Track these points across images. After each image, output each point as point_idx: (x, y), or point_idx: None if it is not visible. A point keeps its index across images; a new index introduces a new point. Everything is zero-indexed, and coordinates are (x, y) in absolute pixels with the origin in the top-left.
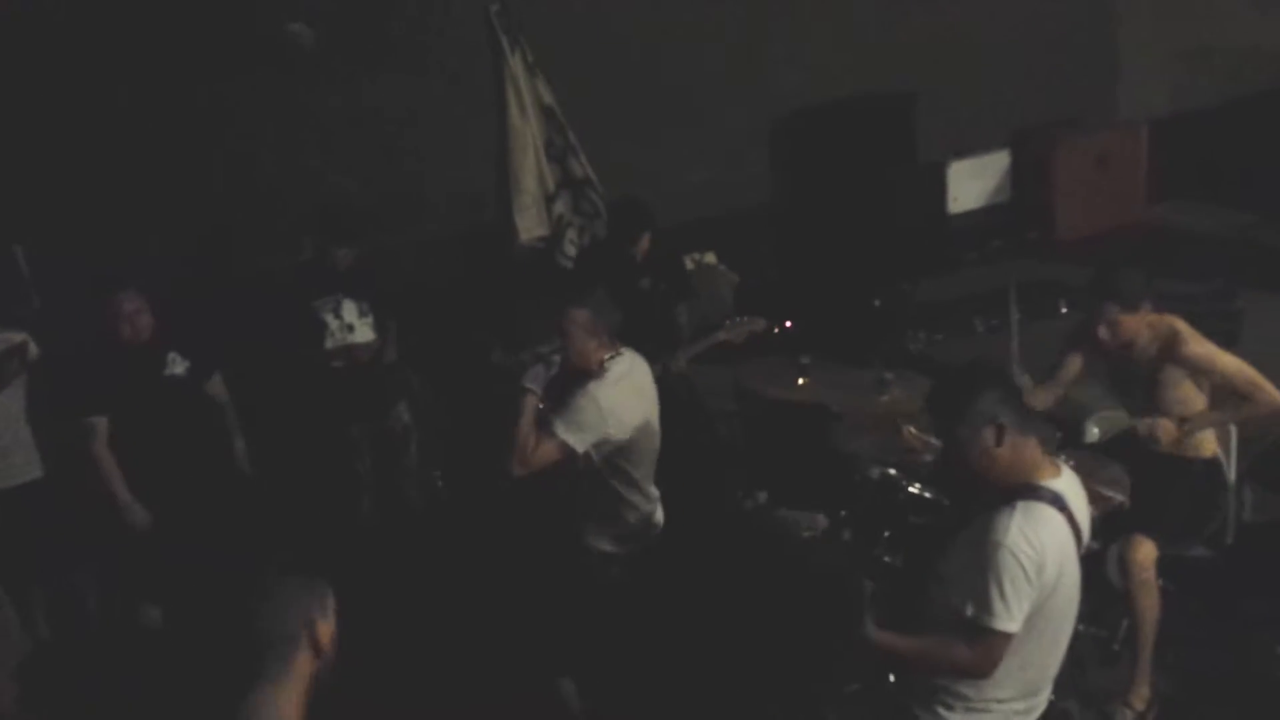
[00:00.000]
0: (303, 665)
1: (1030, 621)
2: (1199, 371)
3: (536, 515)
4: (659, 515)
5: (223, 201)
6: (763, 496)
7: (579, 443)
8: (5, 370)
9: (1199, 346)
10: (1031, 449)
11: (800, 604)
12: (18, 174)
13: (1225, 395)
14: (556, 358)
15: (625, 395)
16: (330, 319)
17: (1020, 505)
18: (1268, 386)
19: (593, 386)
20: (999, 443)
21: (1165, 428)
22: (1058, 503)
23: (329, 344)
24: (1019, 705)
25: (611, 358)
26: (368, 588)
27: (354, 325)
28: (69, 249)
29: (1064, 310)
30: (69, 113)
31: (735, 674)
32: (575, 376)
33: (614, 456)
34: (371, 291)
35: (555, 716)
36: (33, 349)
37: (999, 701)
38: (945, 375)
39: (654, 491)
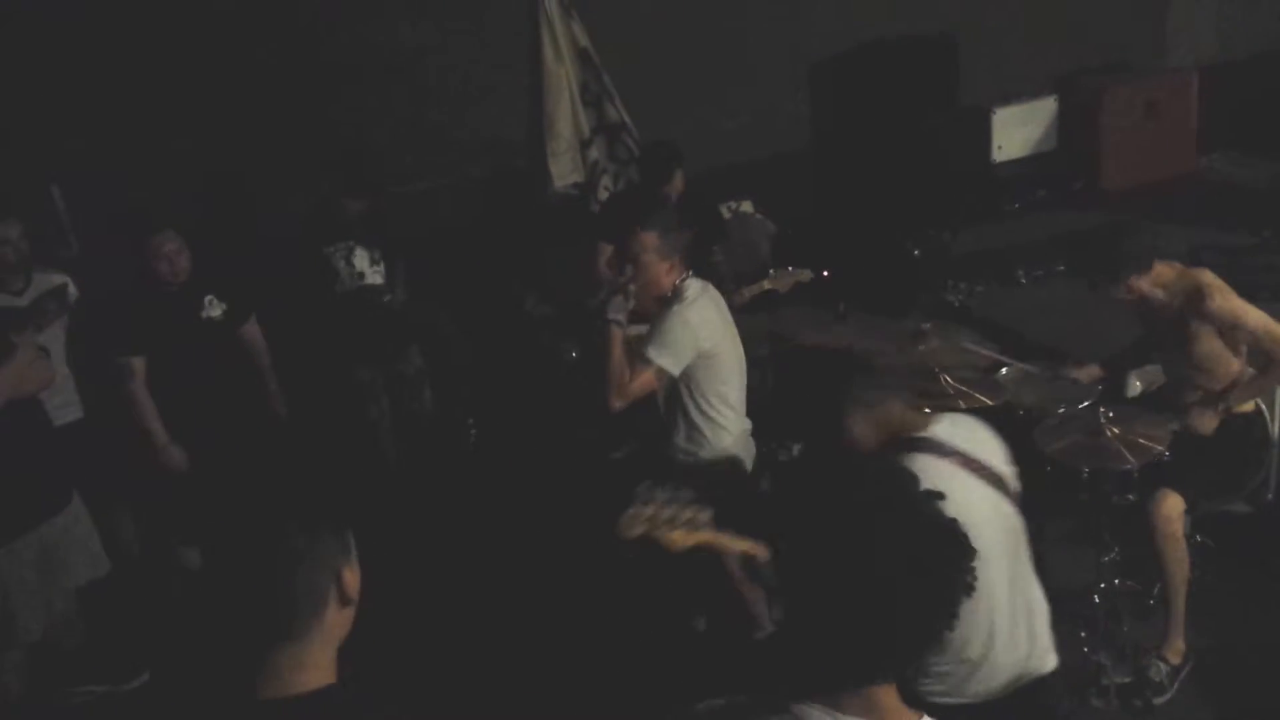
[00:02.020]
0: (333, 617)
1: None
2: (1225, 327)
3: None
4: (753, 447)
5: (257, 145)
6: (796, 449)
7: (674, 365)
8: (45, 312)
9: (1224, 301)
10: (894, 412)
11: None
12: (54, 115)
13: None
14: (633, 287)
15: (707, 310)
16: (341, 265)
17: (897, 462)
18: None
19: (677, 307)
20: (851, 428)
21: (1204, 421)
22: (938, 449)
23: (339, 289)
24: (946, 667)
25: (684, 280)
26: (389, 536)
27: (365, 273)
28: (106, 191)
29: (1023, 281)
30: (104, 54)
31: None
32: (653, 303)
33: (707, 377)
34: (383, 239)
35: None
36: (72, 291)
37: (942, 659)
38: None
39: (747, 422)
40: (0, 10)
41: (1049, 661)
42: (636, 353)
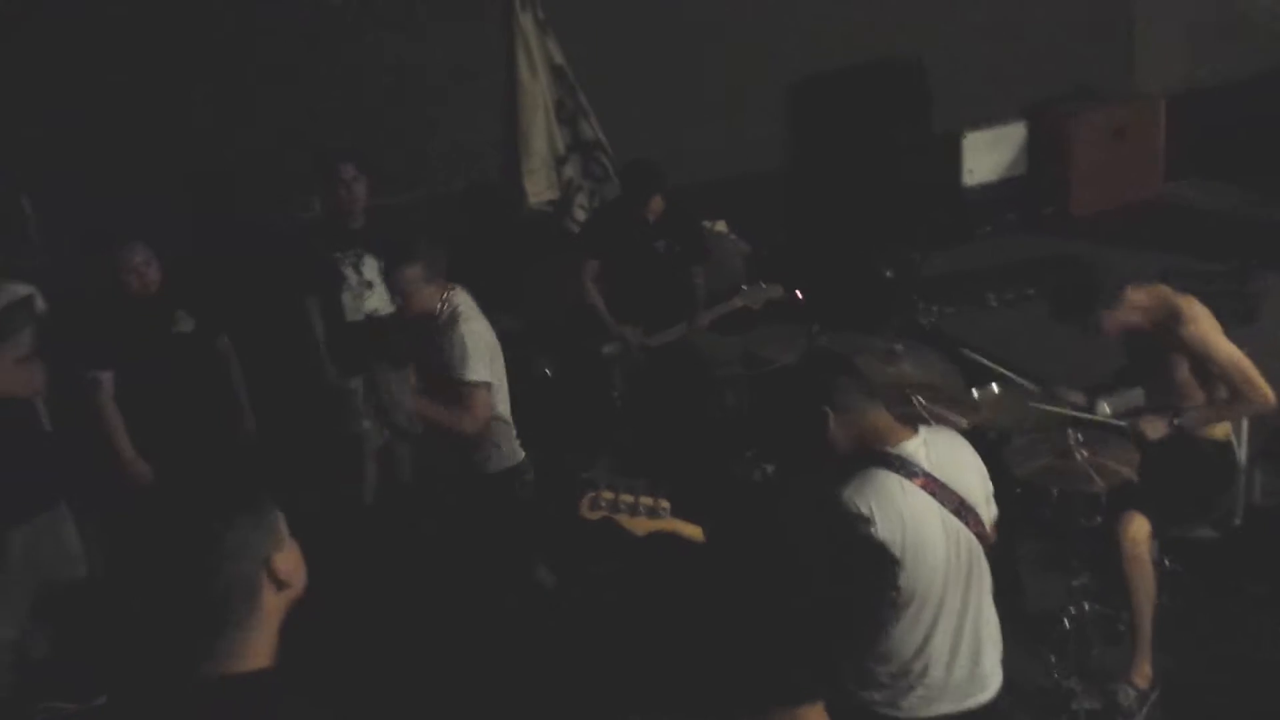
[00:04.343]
0: (269, 601)
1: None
2: (1195, 356)
3: None
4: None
5: (230, 158)
6: (770, 469)
7: (491, 375)
8: (11, 323)
9: (1197, 329)
10: (873, 420)
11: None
12: (25, 124)
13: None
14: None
15: (481, 319)
16: (350, 273)
17: (858, 474)
18: (1260, 385)
19: (461, 324)
20: (824, 428)
21: (1153, 427)
22: (904, 468)
23: (345, 297)
24: (884, 677)
25: (449, 292)
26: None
27: (373, 282)
28: (76, 201)
29: (993, 304)
30: (78, 62)
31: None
32: (426, 326)
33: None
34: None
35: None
36: (39, 302)
37: (886, 672)
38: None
39: None
40: None
41: (990, 689)
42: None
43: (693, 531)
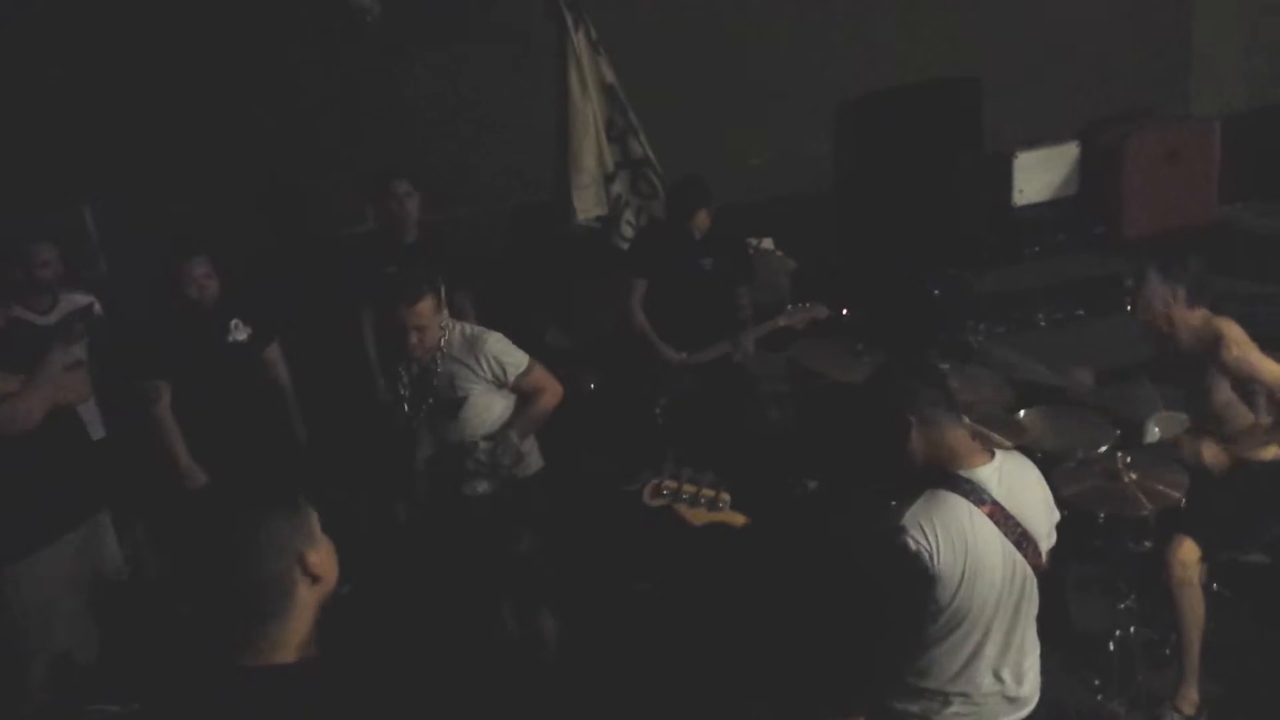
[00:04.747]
0: (303, 596)
1: (950, 609)
2: (1240, 380)
3: None
4: None
5: (287, 170)
6: (813, 485)
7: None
8: (71, 331)
9: (1240, 353)
10: (952, 439)
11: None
12: (88, 135)
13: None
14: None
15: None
16: None
17: (926, 494)
18: None
19: (479, 336)
20: (905, 437)
21: (1213, 456)
22: (974, 493)
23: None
24: (923, 687)
25: (446, 322)
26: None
27: None
28: (137, 213)
29: (1042, 324)
30: (140, 76)
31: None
32: (438, 360)
33: None
34: (444, 265)
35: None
36: (97, 311)
37: (924, 688)
38: (871, 374)
39: None
40: (36, 34)
41: (1027, 708)
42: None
43: (747, 524)
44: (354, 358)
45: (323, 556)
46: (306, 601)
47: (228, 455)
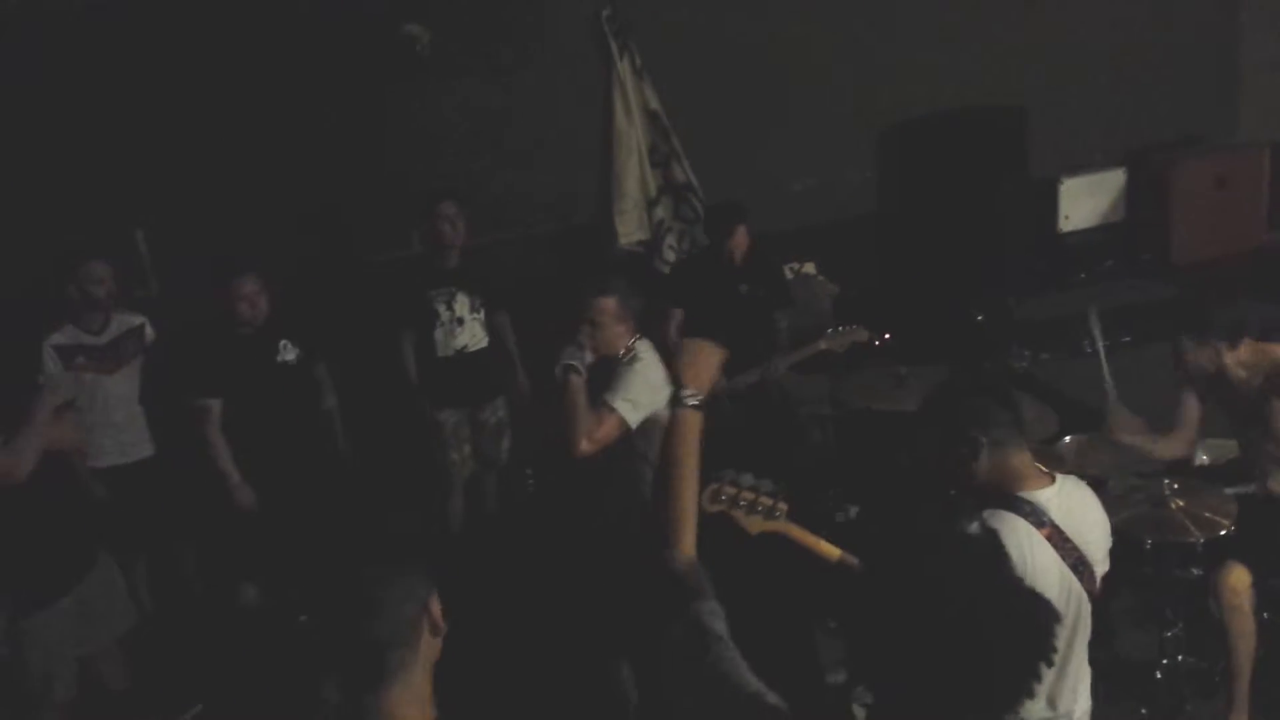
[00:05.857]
0: (426, 647)
1: None
2: None
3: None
4: None
5: (336, 195)
6: (854, 510)
7: (635, 419)
8: (123, 351)
9: None
10: (1017, 461)
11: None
12: (140, 159)
13: None
14: (585, 339)
15: (660, 373)
16: (442, 309)
17: (986, 515)
18: None
19: (638, 366)
20: (974, 457)
21: None
22: (1033, 515)
23: (437, 333)
24: None
25: (634, 341)
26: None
27: (464, 319)
28: (188, 235)
29: (1088, 350)
30: (191, 103)
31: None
32: (607, 360)
33: (645, 437)
34: (484, 287)
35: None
36: (149, 332)
37: None
38: (935, 389)
39: None
40: (89, 54)
41: None
42: (595, 400)
43: (801, 535)
44: (395, 379)
45: (439, 609)
46: (427, 653)
47: (275, 475)
